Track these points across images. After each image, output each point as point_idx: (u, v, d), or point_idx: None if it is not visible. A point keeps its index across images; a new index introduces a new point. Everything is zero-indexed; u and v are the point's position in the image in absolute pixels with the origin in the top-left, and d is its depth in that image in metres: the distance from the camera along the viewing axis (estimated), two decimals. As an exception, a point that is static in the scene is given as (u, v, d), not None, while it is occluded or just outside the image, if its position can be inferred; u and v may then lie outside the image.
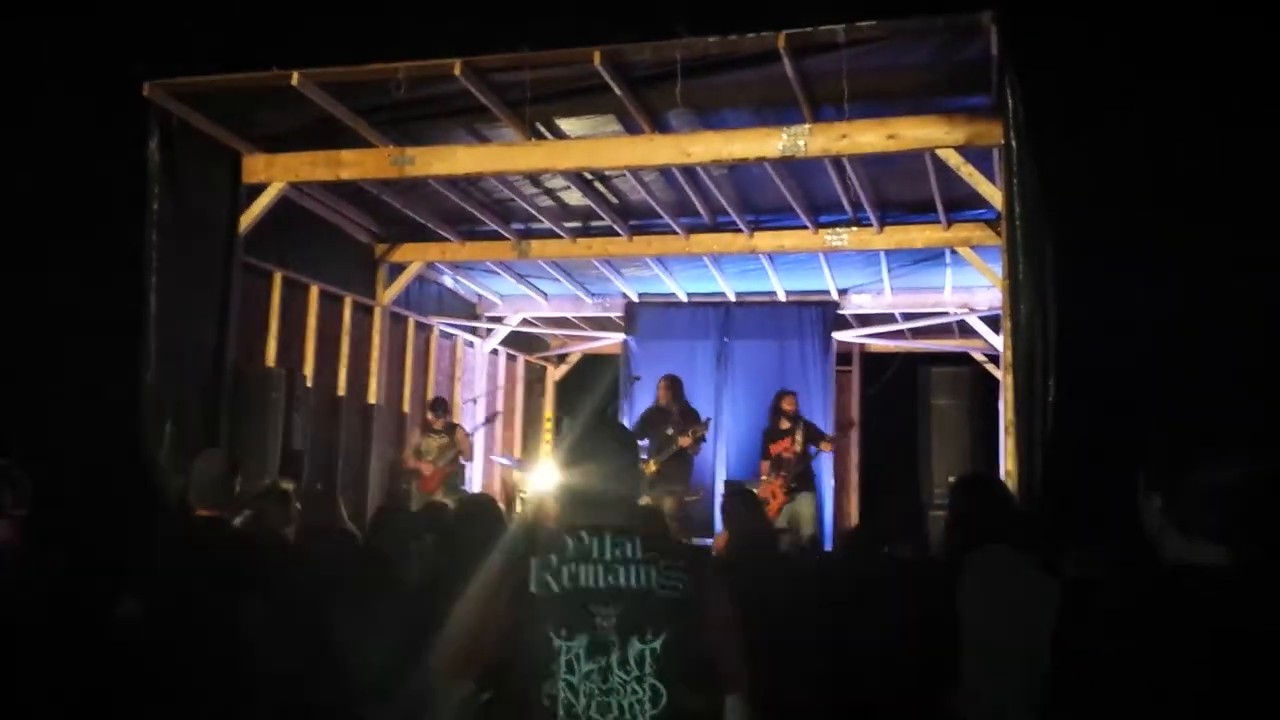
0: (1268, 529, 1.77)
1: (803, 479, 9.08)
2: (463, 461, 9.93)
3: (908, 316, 11.30)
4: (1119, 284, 7.95)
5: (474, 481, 11.14)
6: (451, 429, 9.79)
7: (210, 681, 3.56)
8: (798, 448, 9.04)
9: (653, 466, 9.01)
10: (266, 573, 3.92)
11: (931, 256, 9.62)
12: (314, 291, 9.00)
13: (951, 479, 7.97)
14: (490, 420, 11.84)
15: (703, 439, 9.39)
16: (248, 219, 7.52)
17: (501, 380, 12.80)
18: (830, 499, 10.54)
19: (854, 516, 11.52)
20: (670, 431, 9.19)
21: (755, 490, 8.61)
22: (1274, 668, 1.66)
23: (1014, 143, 5.80)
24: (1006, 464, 6.13)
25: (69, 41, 7.38)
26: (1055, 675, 1.82)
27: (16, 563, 3.81)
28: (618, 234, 9.32)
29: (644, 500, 6.35)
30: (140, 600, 3.71)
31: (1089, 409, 6.12)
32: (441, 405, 10.00)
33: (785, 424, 9.25)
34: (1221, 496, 1.78)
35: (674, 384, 9.56)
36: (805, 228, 8.83)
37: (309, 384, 8.53)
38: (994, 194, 6.47)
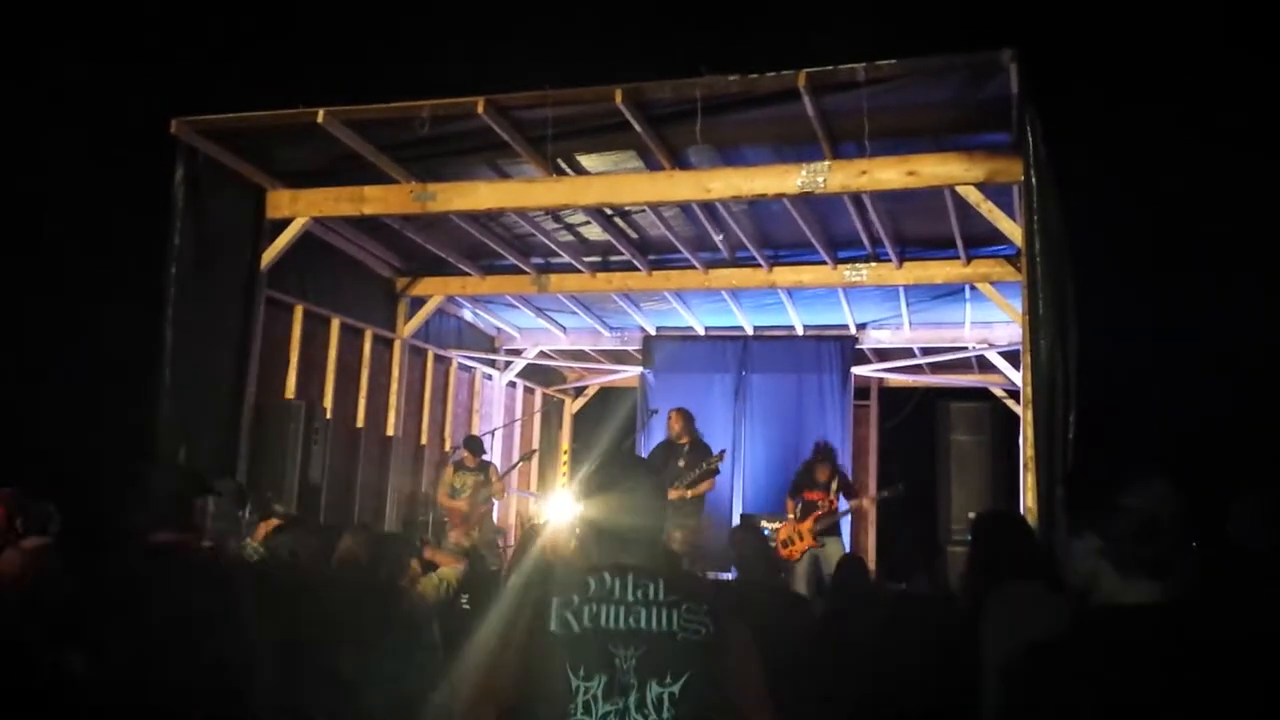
0: (1194, 561, 1.76)
1: (832, 527, 8.97)
2: (495, 501, 9.79)
3: (927, 351, 11.26)
4: (1140, 320, 7.96)
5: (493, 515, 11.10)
6: (485, 467, 9.58)
7: None
8: (833, 499, 8.93)
9: (674, 495, 8.92)
10: (243, 605, 3.21)
11: (951, 292, 9.60)
12: (335, 324, 9.06)
13: (972, 515, 7.96)
14: (527, 458, 11.72)
15: (716, 472, 9.27)
16: (271, 253, 7.60)
17: (519, 412, 12.81)
18: (848, 534, 10.47)
19: (870, 553, 11.43)
20: (681, 465, 9.10)
21: (777, 525, 8.54)
22: (1219, 703, 1.64)
23: (1034, 179, 5.80)
24: (1027, 500, 6.08)
25: (98, 78, 7.51)
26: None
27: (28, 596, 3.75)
28: (637, 268, 9.35)
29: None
30: (83, 652, 3.00)
31: (1110, 444, 6.10)
32: (477, 444, 9.78)
33: (823, 476, 9.12)
34: (1157, 530, 1.74)
35: (685, 416, 9.45)
36: (824, 263, 8.84)
37: (328, 416, 8.56)
38: (1014, 230, 6.47)
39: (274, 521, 6.03)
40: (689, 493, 8.83)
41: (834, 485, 8.94)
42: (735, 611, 2.38)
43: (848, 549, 9.61)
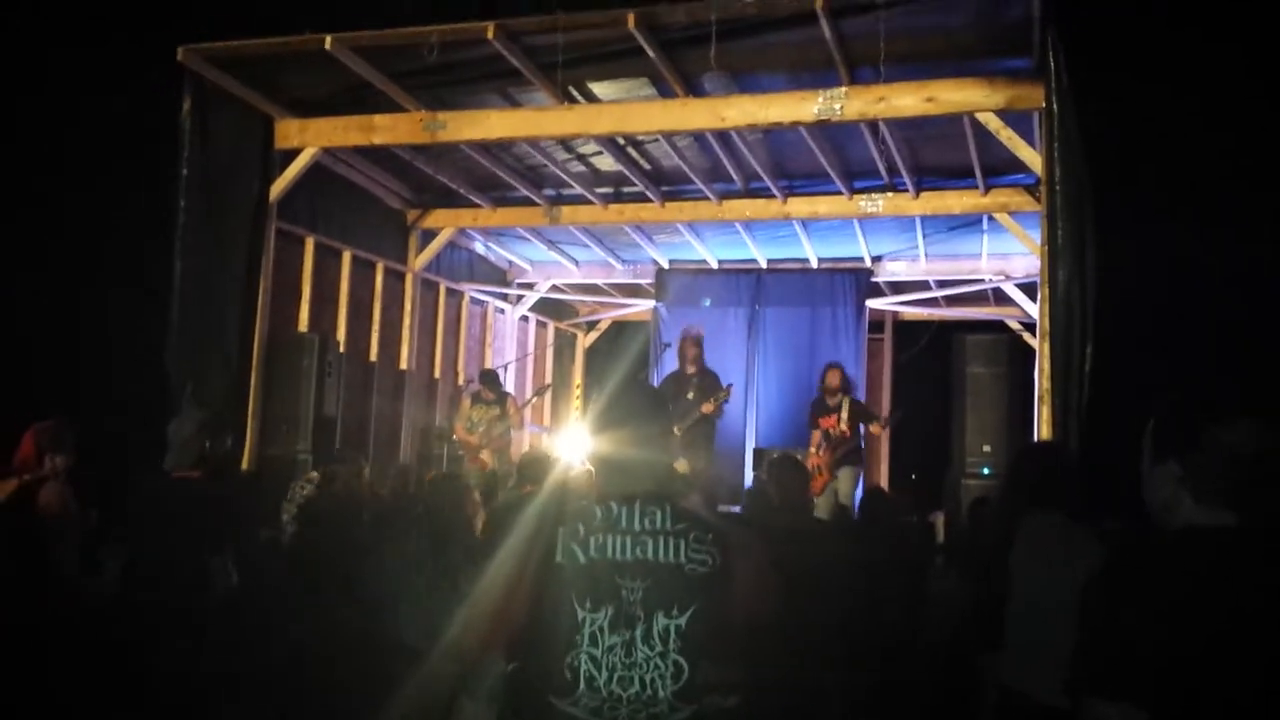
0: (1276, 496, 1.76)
1: (850, 456, 8.93)
2: (512, 433, 9.74)
3: (942, 284, 11.17)
4: (1160, 250, 7.84)
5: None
6: (503, 399, 9.49)
7: (177, 640, 3.56)
8: (843, 426, 8.88)
9: (676, 433, 8.92)
10: (239, 534, 3.98)
11: (968, 223, 9.49)
12: (346, 257, 9.02)
13: (987, 448, 7.94)
14: (541, 393, 11.71)
15: (724, 403, 9.23)
16: (280, 184, 7.53)
17: (531, 346, 12.80)
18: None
19: (884, 486, 11.46)
20: (691, 397, 9.07)
21: (803, 459, 8.51)
22: None
23: (1056, 106, 5.68)
24: (1042, 432, 6.06)
25: (104, 6, 7.39)
26: (1078, 633, 1.81)
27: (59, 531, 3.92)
28: (650, 200, 9.26)
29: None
30: (115, 563, 3.78)
31: (1127, 376, 6.05)
32: (493, 377, 9.74)
33: (830, 400, 9.10)
34: (1241, 463, 1.76)
35: (697, 342, 9.36)
36: (840, 193, 8.73)
37: (341, 349, 8.56)
38: (1034, 158, 6.36)
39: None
40: (700, 410, 8.81)
41: (843, 413, 8.91)
42: (749, 538, 2.37)
43: (860, 480, 9.64)
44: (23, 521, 4.18)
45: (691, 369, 9.19)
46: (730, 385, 9.30)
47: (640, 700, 2.14)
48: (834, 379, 9.07)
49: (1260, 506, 1.76)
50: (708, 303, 11.16)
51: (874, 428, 9.39)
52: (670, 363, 10.22)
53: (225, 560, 3.82)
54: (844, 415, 8.90)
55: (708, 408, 8.92)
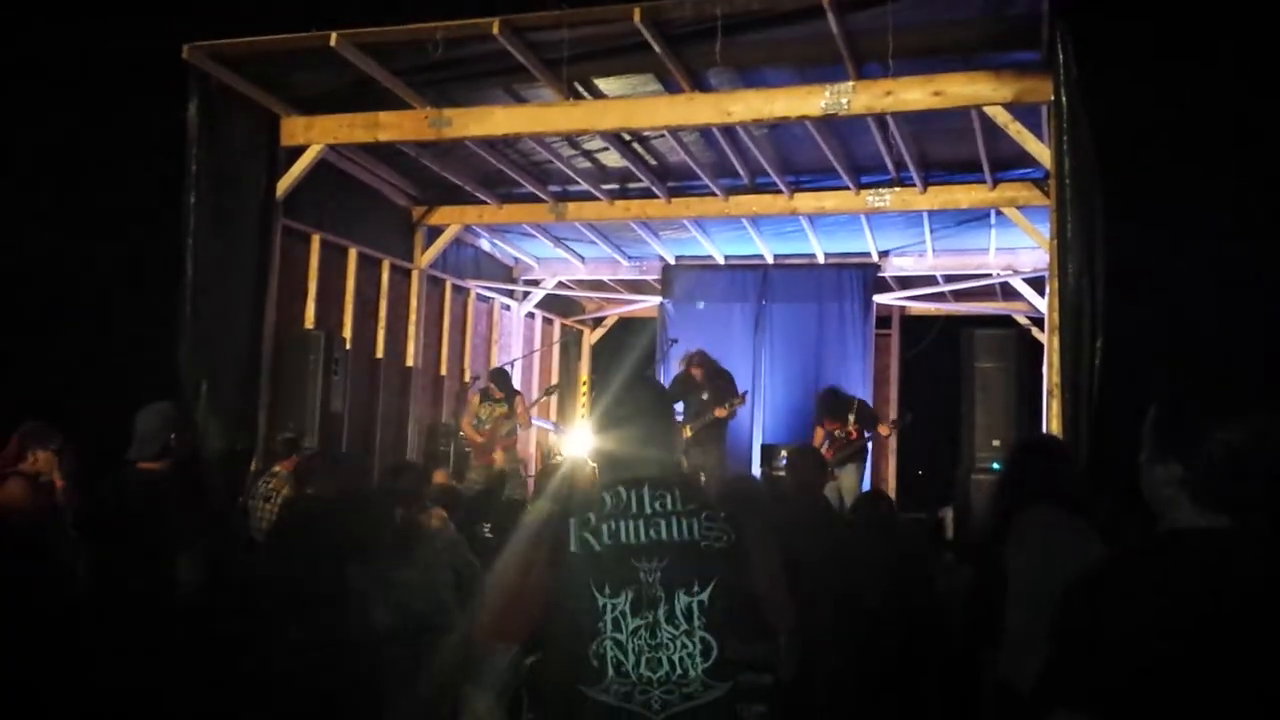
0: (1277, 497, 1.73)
1: (854, 454, 8.91)
2: (520, 431, 9.71)
3: (950, 279, 11.13)
4: (1170, 243, 7.80)
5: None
6: (511, 398, 9.42)
7: (142, 630, 3.55)
8: (851, 429, 8.86)
9: (688, 432, 8.91)
10: (205, 528, 3.97)
11: (976, 217, 9.46)
12: (352, 254, 9.01)
13: (996, 442, 7.92)
14: (549, 393, 11.70)
15: (737, 408, 9.21)
16: (286, 181, 7.53)
17: (537, 343, 12.79)
18: (869, 465, 10.45)
19: (891, 482, 11.45)
20: (706, 398, 9.04)
21: None
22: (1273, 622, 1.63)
23: (1064, 99, 5.65)
24: (1051, 427, 6.03)
25: (108, 5, 7.39)
26: (1049, 639, 1.78)
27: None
28: (656, 196, 9.24)
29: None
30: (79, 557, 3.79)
31: (1136, 370, 6.02)
32: (503, 375, 9.70)
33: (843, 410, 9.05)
34: (1244, 466, 1.72)
35: (701, 362, 9.29)
36: (847, 188, 8.70)
37: (347, 346, 8.56)
38: (1042, 152, 6.33)
39: (294, 459, 6.08)
40: (714, 413, 8.79)
41: (852, 417, 8.88)
42: (759, 519, 2.37)
43: (867, 479, 9.61)
44: None
45: (704, 382, 9.12)
46: (745, 392, 9.27)
47: (672, 680, 2.13)
48: (852, 422, 8.95)
49: (1259, 508, 1.73)
50: (701, 305, 11.12)
51: (882, 428, 9.37)
52: (676, 358, 10.20)
53: (194, 557, 3.78)
54: (851, 418, 8.88)
55: (720, 412, 8.90)
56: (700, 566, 2.18)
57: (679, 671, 2.13)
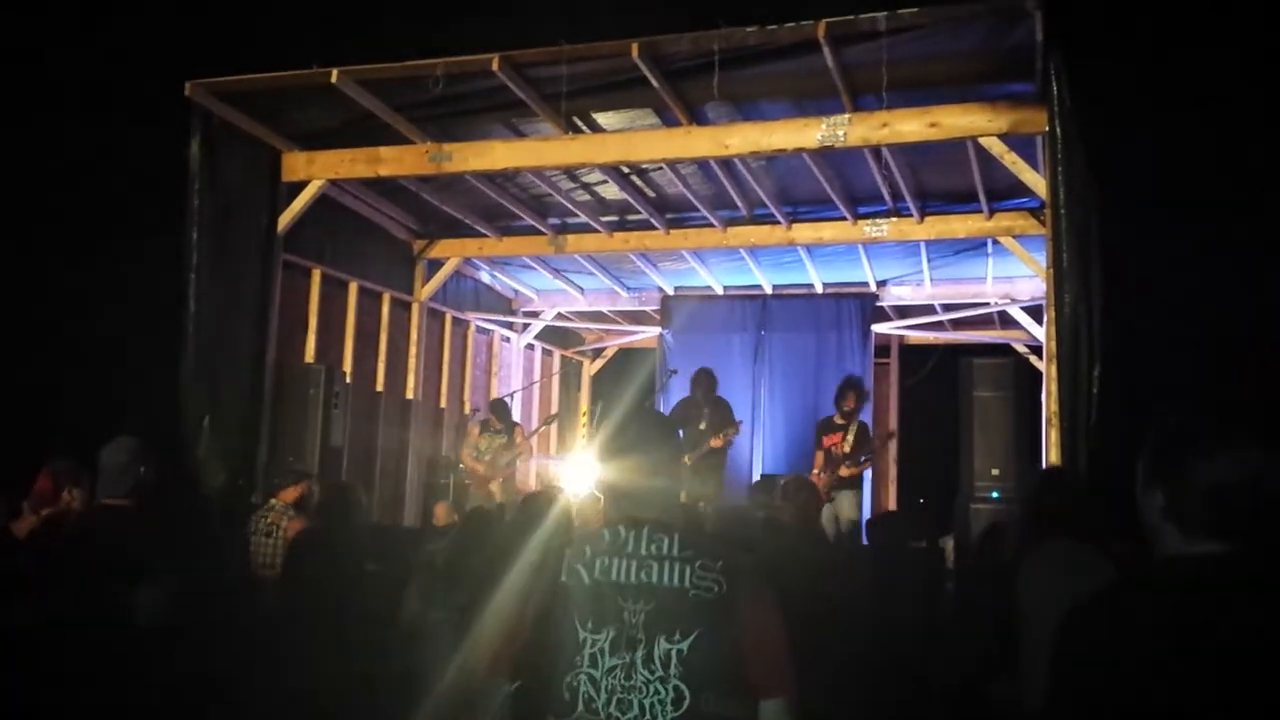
0: (1268, 525, 1.73)
1: (850, 480, 8.91)
2: (520, 463, 9.72)
3: (948, 308, 11.17)
4: (1165, 271, 7.83)
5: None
6: (511, 429, 9.45)
7: (102, 671, 3.39)
8: (847, 447, 8.86)
9: (686, 462, 8.90)
10: (170, 561, 3.74)
11: (973, 246, 9.50)
12: (353, 288, 9.06)
13: (995, 471, 7.90)
14: (548, 423, 11.69)
15: (733, 440, 9.22)
16: (288, 216, 7.58)
17: (537, 375, 12.81)
18: (869, 493, 10.44)
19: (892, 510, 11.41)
20: (703, 427, 9.06)
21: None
22: (1264, 652, 1.64)
23: (1059, 129, 5.72)
24: (1050, 456, 6.05)
25: (112, 43, 7.47)
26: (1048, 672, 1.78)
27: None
28: (654, 227, 9.29)
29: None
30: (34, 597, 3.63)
31: (1134, 399, 6.03)
32: (503, 406, 9.75)
33: (840, 419, 9.07)
34: (1226, 496, 1.73)
35: (708, 378, 9.38)
36: (844, 219, 8.76)
37: (348, 380, 8.58)
38: (1037, 182, 6.38)
39: (299, 487, 6.06)
40: (709, 444, 8.81)
41: (849, 434, 8.88)
42: (757, 571, 2.33)
43: (867, 505, 9.61)
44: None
45: (704, 401, 9.17)
46: (741, 421, 9.29)
47: None
48: (851, 401, 9.01)
49: (1247, 535, 1.74)
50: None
51: (865, 465, 9.34)
52: (676, 389, 10.22)
53: (156, 595, 3.67)
54: (849, 436, 8.89)
55: (717, 442, 8.90)
56: (685, 615, 2.16)
57: (647, 716, 2.11)
